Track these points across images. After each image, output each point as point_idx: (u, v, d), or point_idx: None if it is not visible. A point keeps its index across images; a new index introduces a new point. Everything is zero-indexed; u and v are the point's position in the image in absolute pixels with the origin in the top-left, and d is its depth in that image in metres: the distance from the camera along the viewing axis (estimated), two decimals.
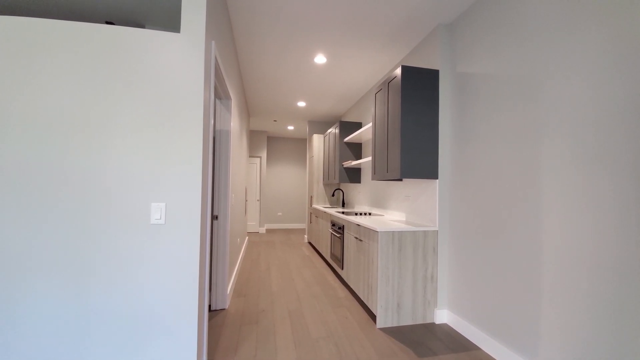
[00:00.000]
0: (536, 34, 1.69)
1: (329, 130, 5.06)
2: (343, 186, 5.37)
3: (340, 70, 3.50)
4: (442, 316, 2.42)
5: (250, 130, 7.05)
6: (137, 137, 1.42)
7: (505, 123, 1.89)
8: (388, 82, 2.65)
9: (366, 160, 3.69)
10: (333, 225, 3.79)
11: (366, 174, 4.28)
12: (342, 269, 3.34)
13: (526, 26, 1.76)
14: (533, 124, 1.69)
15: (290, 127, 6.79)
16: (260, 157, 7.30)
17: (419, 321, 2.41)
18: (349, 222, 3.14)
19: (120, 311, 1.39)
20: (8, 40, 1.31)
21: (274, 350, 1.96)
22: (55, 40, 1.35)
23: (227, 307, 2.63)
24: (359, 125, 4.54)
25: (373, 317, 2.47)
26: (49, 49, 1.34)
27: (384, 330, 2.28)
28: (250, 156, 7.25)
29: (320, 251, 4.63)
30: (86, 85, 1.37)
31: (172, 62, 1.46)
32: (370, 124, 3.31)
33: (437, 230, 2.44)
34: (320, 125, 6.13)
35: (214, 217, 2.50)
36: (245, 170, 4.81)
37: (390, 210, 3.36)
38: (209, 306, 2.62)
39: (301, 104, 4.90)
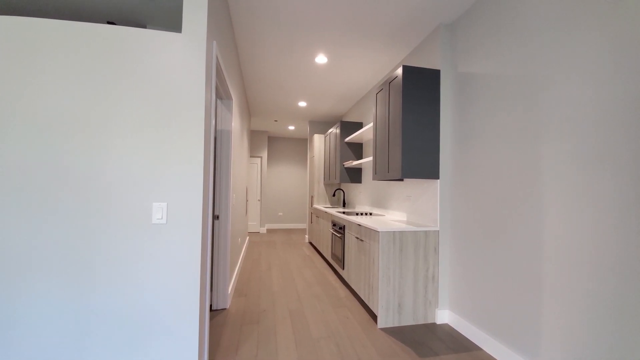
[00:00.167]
0: (537, 34, 1.69)
1: (330, 130, 5.05)
2: (344, 186, 5.36)
3: (341, 70, 3.50)
4: (443, 316, 2.42)
5: (251, 130, 7.05)
6: (139, 136, 1.42)
7: (506, 123, 1.89)
8: (389, 82, 2.64)
9: (367, 160, 3.69)
10: (334, 225, 3.79)
11: (367, 174, 4.28)
12: (343, 269, 3.33)
13: (527, 26, 1.75)
14: (534, 124, 1.69)
15: (291, 127, 6.79)
16: (261, 157, 7.30)
17: (420, 321, 2.40)
18: (350, 222, 3.14)
19: (121, 311, 1.39)
20: (9, 40, 1.32)
21: (275, 350, 1.96)
22: (56, 40, 1.35)
23: (228, 306, 2.64)
24: (359, 125, 4.53)
25: (374, 317, 2.47)
26: (49, 49, 1.35)
27: (385, 330, 2.28)
28: (251, 156, 7.25)
29: (321, 251, 4.63)
30: (88, 85, 1.37)
31: (174, 62, 1.46)
32: (371, 124, 3.31)
33: (438, 230, 2.44)
34: (321, 125, 6.13)
35: (215, 217, 2.50)
36: (246, 170, 4.82)
37: (391, 210, 3.36)
38: (210, 306, 2.62)
39: (302, 104, 4.90)
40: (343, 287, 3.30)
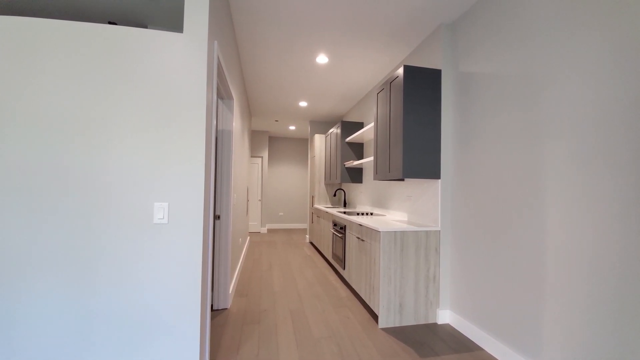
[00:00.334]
0: (537, 33, 1.69)
1: (331, 130, 5.05)
2: (345, 186, 5.36)
3: (342, 70, 3.50)
4: (445, 316, 2.42)
5: (252, 130, 7.06)
6: (140, 136, 1.42)
7: (507, 123, 1.89)
8: (390, 81, 2.64)
9: (368, 160, 3.69)
10: (335, 225, 3.79)
11: (368, 174, 4.28)
12: (344, 268, 3.33)
13: (527, 26, 1.75)
14: (535, 124, 1.69)
15: (292, 127, 6.79)
16: (262, 157, 7.30)
17: (421, 321, 2.40)
18: (350, 222, 3.14)
19: (122, 311, 1.39)
20: (10, 40, 1.32)
21: (276, 350, 1.96)
22: (56, 40, 1.35)
23: (229, 306, 2.64)
24: (360, 125, 4.53)
25: (375, 317, 2.46)
26: (50, 49, 1.35)
27: (386, 330, 2.28)
28: (252, 156, 7.26)
29: (322, 251, 4.63)
30: (88, 85, 1.37)
31: (175, 62, 1.46)
32: (372, 124, 3.31)
33: (439, 230, 2.43)
34: (321, 125, 6.13)
35: (216, 217, 2.50)
36: (247, 170, 4.82)
37: (392, 210, 3.36)
38: (211, 306, 2.63)
39: (303, 104, 4.90)
40: (344, 287, 3.30)
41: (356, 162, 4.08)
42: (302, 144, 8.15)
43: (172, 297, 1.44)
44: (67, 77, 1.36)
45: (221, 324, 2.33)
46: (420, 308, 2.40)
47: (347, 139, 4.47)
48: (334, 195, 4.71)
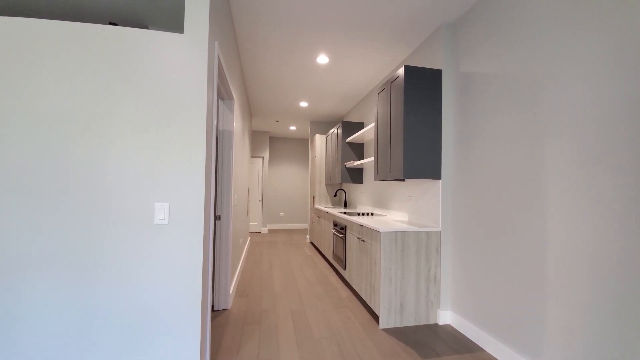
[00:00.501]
0: (537, 33, 1.68)
1: (331, 131, 5.05)
2: (345, 186, 5.36)
3: (342, 70, 3.50)
4: (445, 317, 2.41)
5: (252, 131, 7.06)
6: (140, 137, 1.42)
7: (507, 123, 1.88)
8: (391, 82, 2.64)
9: (368, 161, 3.69)
10: (335, 225, 3.79)
11: (368, 174, 4.28)
12: (345, 269, 3.33)
13: (528, 26, 1.75)
14: (535, 124, 1.68)
15: (293, 128, 6.80)
16: (263, 158, 7.31)
17: (422, 322, 2.40)
18: (351, 222, 3.14)
19: (123, 311, 1.39)
20: (10, 40, 1.32)
21: (276, 350, 1.96)
22: (57, 41, 1.36)
23: (229, 307, 2.64)
24: (361, 126, 4.53)
25: (376, 318, 2.46)
26: (51, 50, 1.35)
27: (386, 331, 2.28)
28: (252, 156, 7.26)
29: (323, 251, 4.63)
30: (89, 85, 1.38)
31: (175, 62, 1.46)
32: (373, 124, 3.31)
33: (440, 231, 2.43)
34: (322, 125, 6.13)
35: (217, 217, 2.50)
36: (248, 170, 4.82)
37: (392, 211, 3.35)
38: (212, 306, 2.63)
39: (303, 104, 4.90)
40: (344, 287, 3.30)
41: (357, 163, 4.08)
42: (302, 144, 8.15)
43: (172, 297, 1.44)
44: (67, 77, 1.36)
45: (222, 324, 2.33)
46: (421, 308, 2.40)
47: (348, 139, 4.47)
48: (335, 195, 4.71)
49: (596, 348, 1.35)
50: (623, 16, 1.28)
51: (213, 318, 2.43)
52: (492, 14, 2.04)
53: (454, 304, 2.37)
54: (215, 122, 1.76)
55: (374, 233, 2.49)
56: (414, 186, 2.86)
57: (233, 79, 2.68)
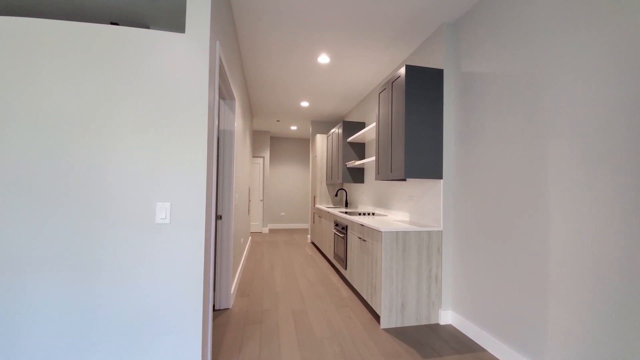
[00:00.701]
0: (538, 33, 1.68)
1: (332, 130, 5.05)
2: (346, 186, 5.36)
3: (343, 70, 3.49)
4: (447, 317, 2.41)
5: (253, 131, 7.06)
6: (141, 136, 1.42)
7: (508, 123, 1.88)
8: (392, 81, 2.64)
9: (370, 160, 3.68)
10: (336, 225, 3.79)
11: (369, 174, 4.27)
12: (346, 269, 3.33)
13: (529, 26, 1.74)
14: (536, 124, 1.68)
15: (294, 127, 6.80)
16: (264, 157, 7.31)
17: (423, 322, 2.39)
18: (352, 222, 3.13)
19: (125, 311, 1.39)
20: (11, 40, 1.32)
21: (278, 350, 1.96)
22: (59, 40, 1.36)
23: (231, 306, 2.64)
24: (362, 125, 4.53)
25: (377, 318, 2.46)
26: (51, 50, 1.35)
27: (388, 330, 2.27)
28: (253, 156, 7.26)
29: (324, 251, 4.63)
30: (90, 85, 1.38)
31: (177, 62, 1.46)
32: (374, 124, 3.30)
33: (442, 231, 2.43)
34: (323, 125, 6.13)
35: (218, 217, 2.51)
36: (249, 170, 4.83)
37: (394, 211, 3.35)
38: (213, 306, 2.63)
39: (304, 104, 4.90)
40: (346, 287, 3.30)
41: (358, 162, 4.08)
42: (303, 144, 8.14)
43: (173, 297, 1.44)
44: (68, 77, 1.36)
45: (223, 324, 2.33)
46: (422, 308, 2.39)
47: (349, 139, 4.46)
48: (336, 195, 4.70)
49: (597, 348, 1.35)
50: (623, 16, 1.28)
51: (214, 318, 2.44)
52: (493, 14, 2.03)
53: (455, 303, 2.37)
54: (217, 122, 1.76)
55: (375, 233, 2.49)
56: (415, 186, 2.85)
57: (234, 78, 2.68)
